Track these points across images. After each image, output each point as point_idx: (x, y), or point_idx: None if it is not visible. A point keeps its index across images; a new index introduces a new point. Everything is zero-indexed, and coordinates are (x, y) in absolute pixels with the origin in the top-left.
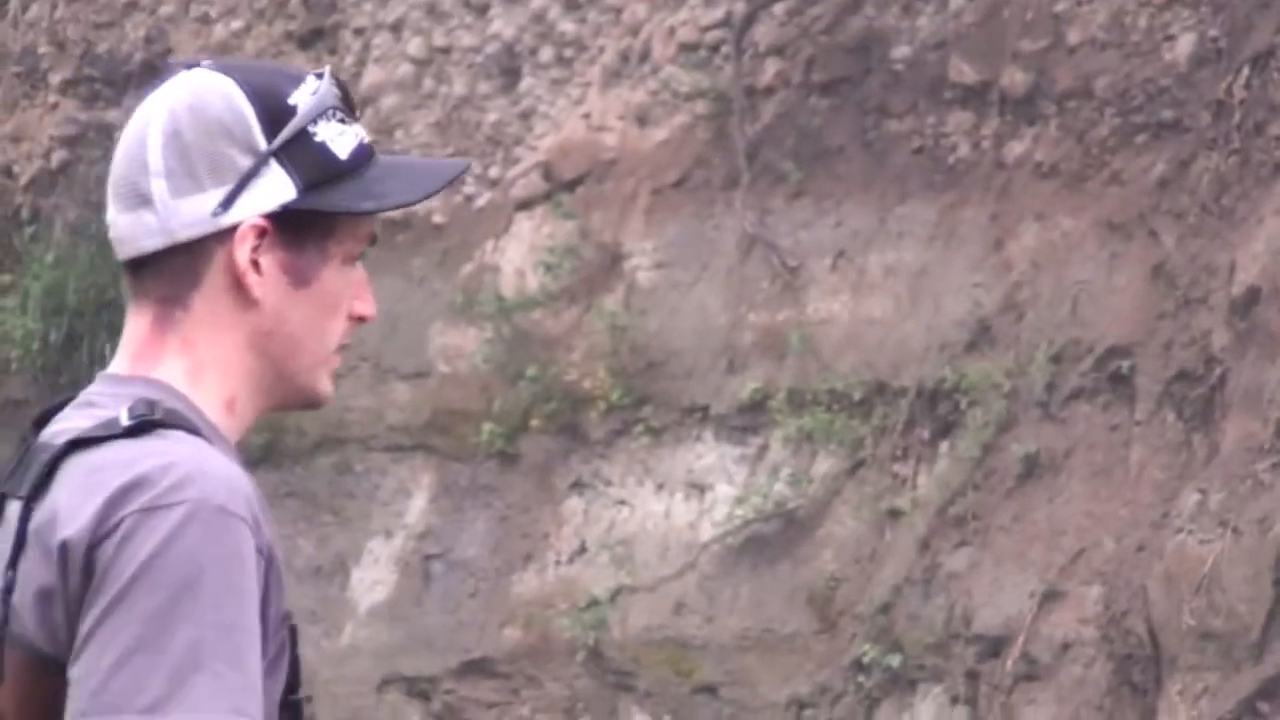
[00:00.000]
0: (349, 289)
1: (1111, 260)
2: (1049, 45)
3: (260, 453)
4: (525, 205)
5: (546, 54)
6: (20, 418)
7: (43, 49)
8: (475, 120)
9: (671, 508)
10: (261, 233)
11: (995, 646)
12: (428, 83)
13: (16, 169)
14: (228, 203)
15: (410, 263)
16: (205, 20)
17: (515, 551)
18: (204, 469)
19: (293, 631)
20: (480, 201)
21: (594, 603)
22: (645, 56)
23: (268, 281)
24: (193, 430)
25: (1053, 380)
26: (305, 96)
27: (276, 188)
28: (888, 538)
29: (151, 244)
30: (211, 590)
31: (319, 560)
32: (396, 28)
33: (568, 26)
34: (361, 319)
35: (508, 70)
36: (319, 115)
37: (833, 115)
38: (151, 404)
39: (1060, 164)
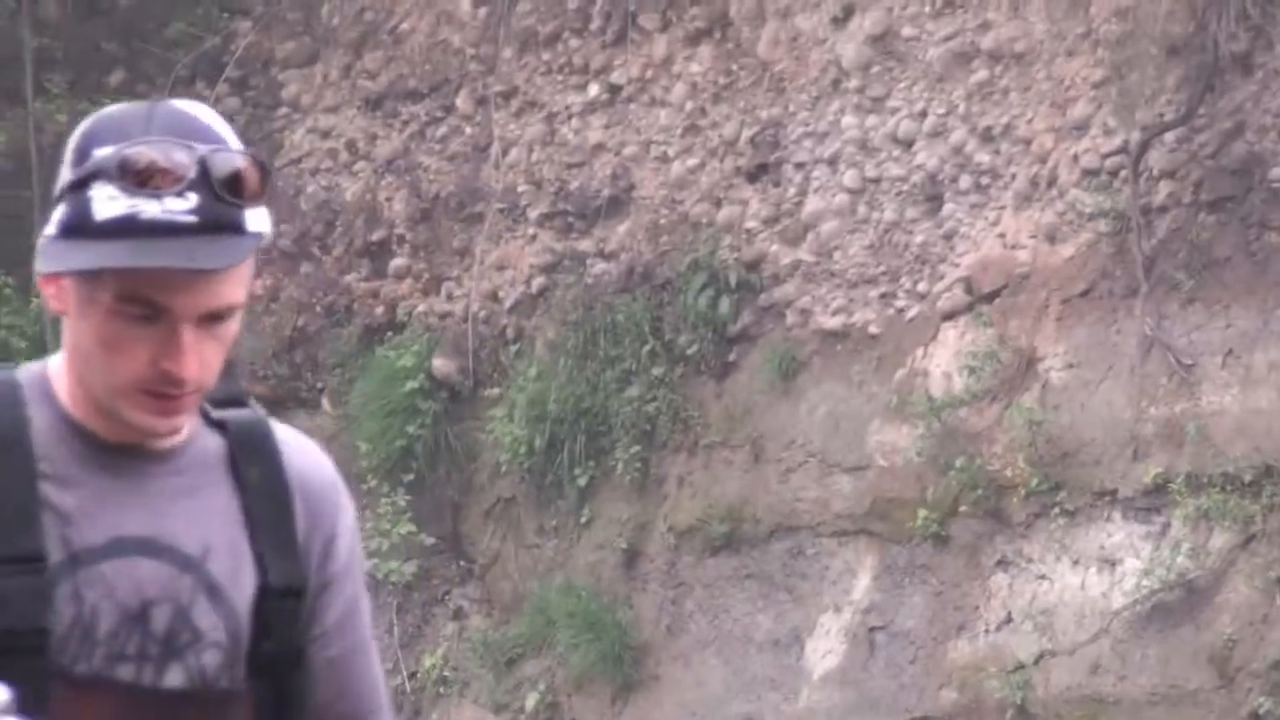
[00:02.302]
0: (127, 337)
1: None
2: None
3: (722, 540)
4: (950, 316)
5: (965, 182)
6: (509, 514)
7: (522, 188)
8: (904, 242)
9: (1086, 580)
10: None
11: None
12: (861, 209)
13: (501, 294)
14: (51, 220)
15: (850, 369)
16: (664, 159)
17: (949, 622)
18: None
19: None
20: (911, 313)
21: (1020, 666)
22: (1053, 182)
23: (66, 299)
24: None
25: None
26: (102, 154)
27: (53, 222)
28: (1278, 603)
29: None
30: None
31: (777, 634)
32: (833, 161)
33: (984, 157)
34: (166, 374)
35: (932, 197)
36: (98, 175)
37: (1219, 230)
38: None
39: None
